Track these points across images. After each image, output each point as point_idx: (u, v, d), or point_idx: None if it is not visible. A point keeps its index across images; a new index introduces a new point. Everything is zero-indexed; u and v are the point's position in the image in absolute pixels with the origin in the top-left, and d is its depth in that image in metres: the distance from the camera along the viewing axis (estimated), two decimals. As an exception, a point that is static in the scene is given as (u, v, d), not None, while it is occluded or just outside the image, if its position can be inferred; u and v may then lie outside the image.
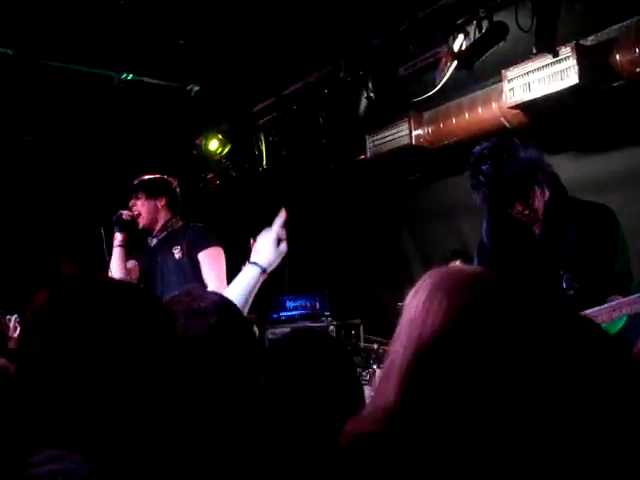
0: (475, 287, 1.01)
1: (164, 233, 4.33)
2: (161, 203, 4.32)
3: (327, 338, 1.92)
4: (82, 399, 1.16)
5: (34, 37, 4.97)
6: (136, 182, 4.38)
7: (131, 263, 4.37)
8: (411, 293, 1.10)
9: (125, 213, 4.29)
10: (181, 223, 4.37)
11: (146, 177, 4.41)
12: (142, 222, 4.30)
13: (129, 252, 4.36)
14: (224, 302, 1.64)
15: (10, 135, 6.28)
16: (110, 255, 4.26)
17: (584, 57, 4.31)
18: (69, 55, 5.30)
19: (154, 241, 4.36)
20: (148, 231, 4.36)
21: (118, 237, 4.30)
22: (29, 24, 4.79)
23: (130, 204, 4.33)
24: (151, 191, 4.32)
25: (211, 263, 4.14)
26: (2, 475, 1.08)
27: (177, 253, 4.19)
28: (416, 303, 1.06)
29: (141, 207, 4.30)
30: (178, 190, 4.47)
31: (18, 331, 4.67)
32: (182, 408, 1.40)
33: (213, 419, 1.49)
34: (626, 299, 2.74)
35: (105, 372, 1.17)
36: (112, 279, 1.45)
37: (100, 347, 1.18)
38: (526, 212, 3.15)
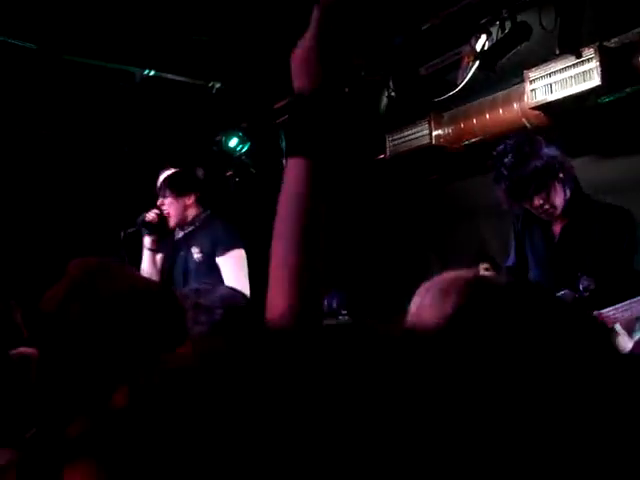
0: (476, 290, 1.01)
1: (191, 227, 4.17)
2: (190, 200, 4.16)
3: None
4: (98, 385, 1.18)
5: (57, 32, 5.01)
6: (162, 180, 4.18)
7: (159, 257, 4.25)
8: (417, 294, 1.10)
9: (150, 214, 4.11)
10: (206, 215, 4.21)
11: (172, 173, 4.22)
12: (172, 222, 4.14)
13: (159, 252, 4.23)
14: (232, 296, 1.65)
15: (30, 130, 6.33)
16: (129, 259, 4.05)
17: (607, 59, 4.28)
18: (91, 50, 5.34)
19: (180, 234, 4.22)
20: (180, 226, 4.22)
21: (147, 240, 4.16)
22: (52, 19, 4.83)
23: (158, 203, 4.15)
24: (179, 189, 4.14)
25: (232, 266, 4.01)
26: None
27: (197, 254, 4.06)
28: (419, 300, 1.07)
29: (169, 206, 4.12)
30: (205, 181, 4.37)
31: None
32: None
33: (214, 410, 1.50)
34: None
35: (120, 360, 1.19)
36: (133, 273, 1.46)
37: (116, 337, 1.19)
38: (545, 207, 3.16)
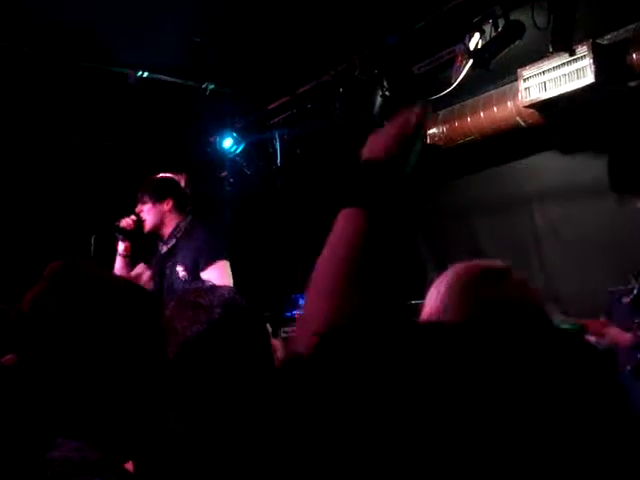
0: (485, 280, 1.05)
1: (173, 240, 4.07)
2: (167, 206, 4.06)
3: None
4: (77, 387, 1.19)
5: (49, 33, 5.00)
6: (140, 187, 4.12)
7: (139, 268, 4.17)
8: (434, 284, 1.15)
9: (125, 220, 4.04)
10: (187, 224, 4.10)
11: (150, 179, 4.17)
12: (147, 228, 4.07)
13: (134, 261, 4.15)
14: (231, 297, 1.65)
15: (22, 131, 6.32)
16: (99, 264, 4.00)
17: (601, 56, 4.29)
18: (84, 52, 5.33)
19: (164, 248, 4.11)
20: (158, 236, 4.12)
21: (121, 246, 4.10)
22: (44, 21, 4.82)
23: (137, 210, 4.09)
24: (156, 195, 4.06)
25: (216, 280, 3.79)
26: (20, 464, 1.11)
27: (182, 272, 3.93)
28: (434, 291, 1.17)
29: (147, 213, 4.06)
30: (187, 187, 4.26)
31: None
32: (182, 398, 1.42)
33: (214, 408, 1.50)
34: None
35: (97, 361, 1.20)
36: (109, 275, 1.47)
37: (91, 338, 1.20)
38: None
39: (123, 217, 4.06)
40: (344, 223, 1.07)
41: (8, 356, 1.97)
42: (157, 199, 4.06)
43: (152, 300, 1.34)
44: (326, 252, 1.06)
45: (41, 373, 1.20)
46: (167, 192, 4.09)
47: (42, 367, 1.20)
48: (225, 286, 1.75)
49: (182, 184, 4.29)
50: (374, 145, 1.17)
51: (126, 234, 4.05)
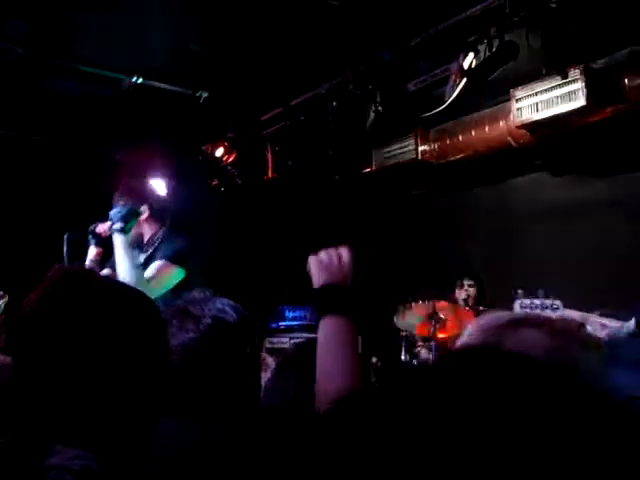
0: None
1: (150, 249, 3.88)
2: (143, 217, 3.85)
3: None
4: (76, 393, 1.17)
5: (45, 36, 5.00)
6: (115, 193, 3.87)
7: (106, 271, 3.89)
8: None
9: (102, 226, 3.79)
10: (164, 233, 3.92)
11: (125, 183, 3.96)
12: None
13: (102, 265, 3.91)
14: (223, 311, 1.65)
15: (17, 134, 6.31)
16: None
17: (593, 80, 4.34)
18: (80, 56, 5.33)
19: (142, 257, 3.88)
20: (137, 244, 3.89)
21: (92, 252, 3.86)
22: (41, 23, 4.82)
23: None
24: (132, 201, 3.82)
25: (152, 275, 3.68)
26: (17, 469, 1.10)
27: None
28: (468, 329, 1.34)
29: None
30: (168, 193, 4.13)
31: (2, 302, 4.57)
32: (173, 405, 1.41)
33: (204, 414, 1.50)
34: None
35: (97, 368, 1.19)
36: (111, 280, 1.46)
37: (92, 344, 1.19)
38: None
39: (99, 222, 3.84)
40: (334, 327, 1.53)
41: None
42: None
43: (154, 306, 1.34)
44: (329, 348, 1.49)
45: (39, 377, 1.19)
46: (144, 199, 3.90)
47: (41, 371, 1.18)
48: (223, 298, 1.73)
49: (163, 190, 4.11)
50: (333, 275, 1.62)
51: (100, 240, 3.83)
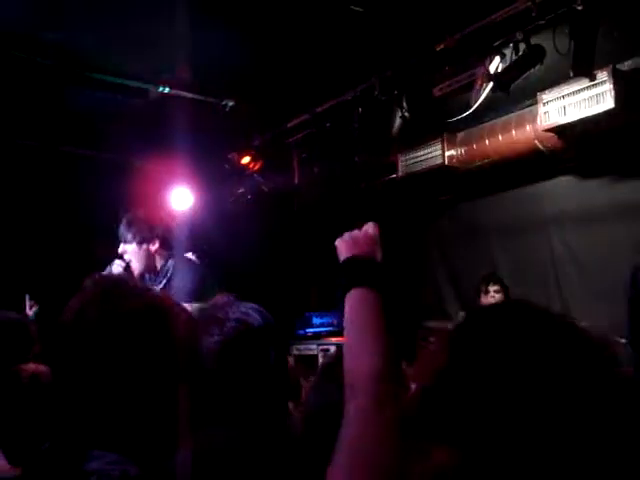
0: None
1: (163, 280, 3.82)
2: (154, 247, 3.79)
3: None
4: (114, 399, 1.19)
5: (75, 48, 5.07)
6: (123, 223, 3.79)
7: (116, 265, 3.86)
8: None
9: (115, 267, 3.73)
10: (174, 261, 3.85)
11: (133, 215, 3.86)
12: (137, 271, 3.76)
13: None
14: (247, 315, 1.64)
15: (43, 144, 6.40)
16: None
17: (621, 82, 4.28)
18: (108, 67, 5.39)
19: (157, 289, 3.69)
20: (148, 275, 3.86)
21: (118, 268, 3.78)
22: (70, 35, 4.88)
23: (120, 251, 3.77)
24: (140, 236, 3.76)
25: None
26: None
27: None
28: None
29: (132, 254, 3.76)
30: (171, 223, 4.05)
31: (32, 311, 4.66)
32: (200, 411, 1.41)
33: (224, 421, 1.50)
34: None
35: (134, 375, 1.21)
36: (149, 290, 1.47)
37: (129, 352, 1.20)
38: None
39: (109, 264, 3.79)
40: (360, 301, 1.44)
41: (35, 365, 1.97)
42: (141, 240, 3.78)
43: (189, 314, 1.34)
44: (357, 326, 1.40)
45: (78, 383, 1.20)
46: (151, 232, 3.81)
47: (80, 378, 1.20)
48: (248, 302, 1.72)
49: (173, 220, 4.11)
50: (359, 247, 1.57)
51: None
